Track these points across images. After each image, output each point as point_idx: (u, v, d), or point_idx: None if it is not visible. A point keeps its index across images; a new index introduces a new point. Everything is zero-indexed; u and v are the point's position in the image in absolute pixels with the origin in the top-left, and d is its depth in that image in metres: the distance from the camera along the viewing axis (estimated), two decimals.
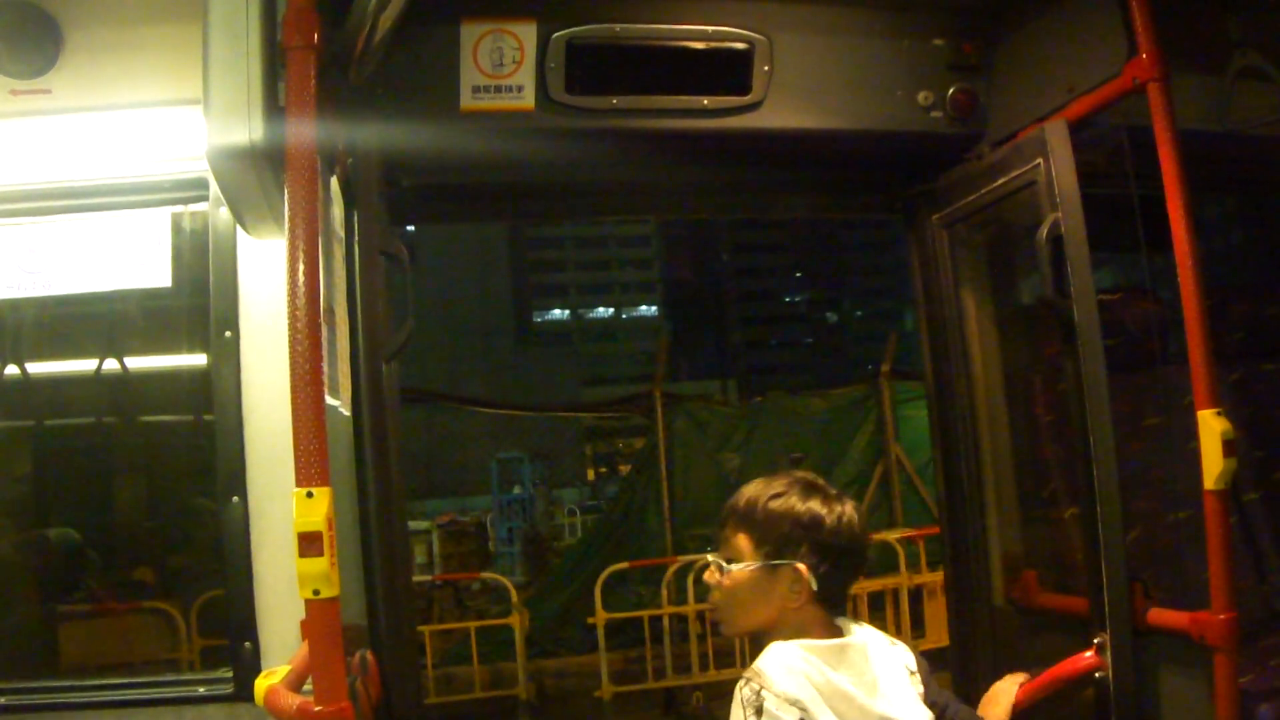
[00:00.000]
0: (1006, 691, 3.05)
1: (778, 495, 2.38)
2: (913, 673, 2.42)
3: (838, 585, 2.39)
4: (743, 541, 2.39)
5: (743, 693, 2.24)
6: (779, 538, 2.34)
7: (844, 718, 2.19)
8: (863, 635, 2.39)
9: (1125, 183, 3.35)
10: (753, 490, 2.43)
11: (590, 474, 32.90)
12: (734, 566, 2.38)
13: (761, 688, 2.21)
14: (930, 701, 2.42)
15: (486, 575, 13.41)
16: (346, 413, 3.09)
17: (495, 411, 16.66)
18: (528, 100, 3.53)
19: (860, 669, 2.29)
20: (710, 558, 2.47)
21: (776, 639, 2.34)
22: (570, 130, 3.64)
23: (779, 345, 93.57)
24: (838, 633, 2.38)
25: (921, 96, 3.86)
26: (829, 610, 2.38)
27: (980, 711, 2.91)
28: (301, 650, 2.63)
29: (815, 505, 2.35)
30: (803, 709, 2.17)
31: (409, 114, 3.45)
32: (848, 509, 2.39)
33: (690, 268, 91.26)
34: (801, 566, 2.31)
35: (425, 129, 3.50)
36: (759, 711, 2.18)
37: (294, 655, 2.72)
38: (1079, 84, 3.47)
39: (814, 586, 2.32)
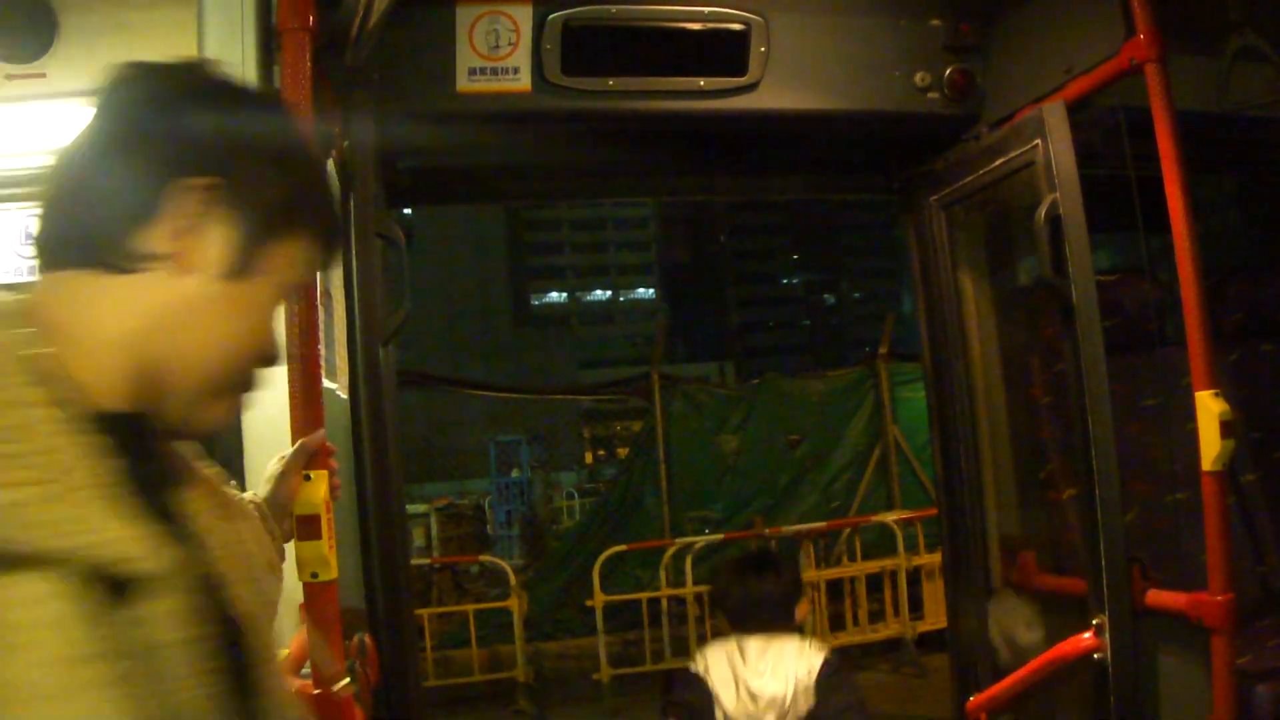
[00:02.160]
0: None
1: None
2: (812, 672, 3.15)
3: (741, 617, 3.32)
4: None
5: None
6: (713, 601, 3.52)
7: (728, 679, 3.17)
8: (765, 642, 3.22)
9: (1123, 164, 3.35)
10: None
11: (588, 457, 32.72)
12: None
13: (697, 654, 3.32)
14: (819, 698, 3.13)
15: (485, 558, 13.34)
16: (344, 395, 3.09)
17: (493, 394, 16.54)
18: (524, 82, 3.53)
19: (751, 657, 3.20)
20: None
21: None
22: (566, 112, 3.63)
23: (776, 327, 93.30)
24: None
25: (918, 77, 3.85)
26: (741, 629, 3.29)
27: None
28: (299, 634, 2.63)
29: (725, 581, 3.45)
30: (706, 663, 3.23)
31: (405, 96, 3.44)
32: (749, 577, 3.36)
33: (688, 250, 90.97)
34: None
35: (421, 111, 3.50)
36: (693, 660, 3.29)
37: (292, 639, 2.72)
38: (1076, 65, 3.46)
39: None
